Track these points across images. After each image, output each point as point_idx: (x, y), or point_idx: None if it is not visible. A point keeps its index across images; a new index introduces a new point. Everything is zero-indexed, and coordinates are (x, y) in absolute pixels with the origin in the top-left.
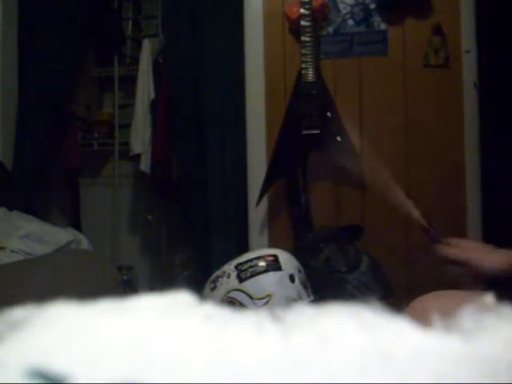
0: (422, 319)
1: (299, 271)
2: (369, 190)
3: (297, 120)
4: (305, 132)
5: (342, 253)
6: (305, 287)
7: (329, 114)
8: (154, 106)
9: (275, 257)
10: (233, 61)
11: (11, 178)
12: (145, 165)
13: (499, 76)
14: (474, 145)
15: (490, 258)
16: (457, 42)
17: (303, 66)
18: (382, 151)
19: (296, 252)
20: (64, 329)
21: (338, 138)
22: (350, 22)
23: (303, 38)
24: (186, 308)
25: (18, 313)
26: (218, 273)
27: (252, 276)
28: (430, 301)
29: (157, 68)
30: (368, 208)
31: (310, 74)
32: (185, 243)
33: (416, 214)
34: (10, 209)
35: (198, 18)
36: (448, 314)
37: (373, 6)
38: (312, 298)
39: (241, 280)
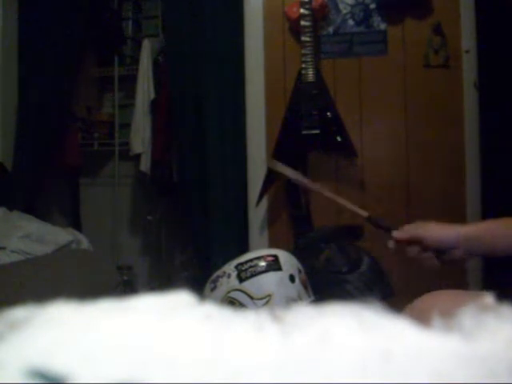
0: (422, 319)
1: (299, 271)
2: (371, 191)
3: (297, 120)
4: (305, 132)
5: (342, 253)
6: (305, 287)
7: (329, 113)
8: (154, 105)
9: (275, 257)
10: (233, 61)
11: (11, 178)
12: (145, 165)
13: (499, 76)
14: (474, 145)
15: (440, 234)
16: (457, 42)
17: (303, 65)
18: (382, 151)
19: (296, 252)
20: (64, 329)
21: (338, 138)
22: (350, 22)
23: (303, 38)
24: (186, 308)
25: (18, 313)
26: (218, 273)
27: (252, 276)
28: (429, 301)
29: (157, 68)
30: (368, 208)
31: (310, 74)
32: (185, 243)
33: (364, 213)
34: (10, 209)
35: (198, 18)
36: (448, 314)
37: (373, 6)
38: (312, 298)
39: (241, 280)
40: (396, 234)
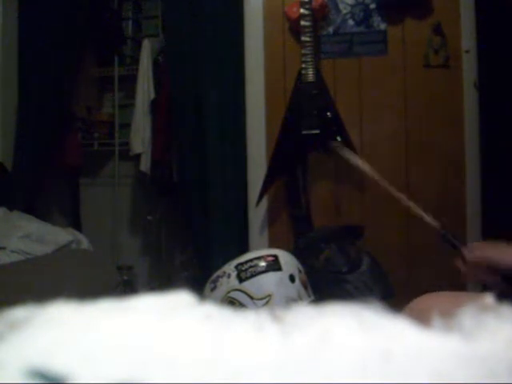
0: (422, 319)
1: (299, 271)
2: (371, 191)
3: (297, 120)
4: (305, 132)
5: (342, 253)
6: (305, 287)
7: (329, 113)
8: (154, 106)
9: (275, 257)
10: (233, 61)
11: (11, 178)
12: (145, 165)
13: (499, 76)
14: (474, 145)
15: (508, 255)
16: (457, 42)
17: (303, 66)
18: (382, 151)
19: (296, 252)
20: (64, 329)
21: (338, 138)
22: (350, 21)
23: (303, 38)
24: (186, 308)
25: (18, 313)
26: (218, 273)
27: (252, 276)
28: (428, 301)
29: (157, 68)
30: (368, 208)
31: (310, 74)
32: (185, 243)
33: (429, 219)
34: (10, 209)
35: (198, 18)
36: (448, 314)
37: (373, 6)
38: (312, 298)
39: (241, 280)
40: (468, 254)
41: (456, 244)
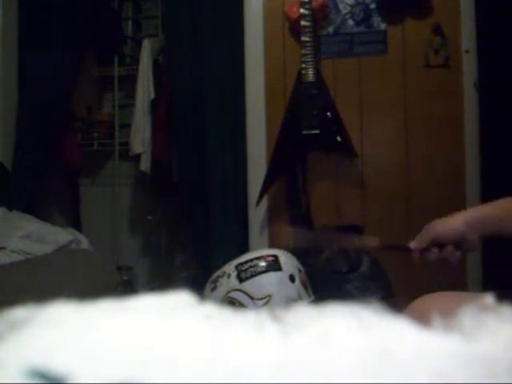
0: (423, 319)
1: (299, 271)
2: (371, 191)
3: (297, 120)
4: (305, 132)
5: (342, 253)
6: (305, 287)
7: (329, 113)
8: (154, 106)
9: (275, 257)
10: (233, 61)
11: (11, 177)
12: (145, 165)
13: (499, 76)
14: (474, 145)
15: (449, 224)
16: (457, 42)
17: (303, 66)
18: (382, 151)
19: (296, 252)
20: (64, 329)
21: (338, 138)
22: (350, 21)
23: (303, 38)
24: (186, 308)
25: (18, 313)
26: (218, 273)
27: (252, 276)
28: (429, 302)
29: (157, 68)
30: (368, 208)
31: (310, 74)
32: (185, 243)
33: (374, 241)
34: (10, 209)
35: (198, 18)
36: (448, 315)
37: (373, 5)
38: (312, 298)
39: (241, 280)
40: (414, 245)
41: (403, 246)
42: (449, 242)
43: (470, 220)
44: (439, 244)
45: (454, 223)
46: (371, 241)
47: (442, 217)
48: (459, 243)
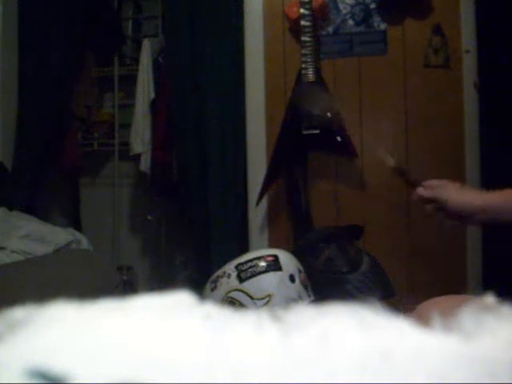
0: (428, 322)
1: (299, 271)
2: (371, 191)
3: (297, 120)
4: (305, 132)
5: (342, 253)
6: (305, 287)
7: (329, 113)
8: (154, 105)
9: (275, 257)
10: (233, 61)
11: (11, 178)
12: (145, 165)
13: (499, 76)
14: (474, 145)
15: (461, 196)
16: (457, 42)
17: (303, 66)
18: (382, 151)
19: (296, 252)
20: (64, 329)
21: (338, 138)
22: (350, 21)
23: (303, 38)
24: (185, 308)
25: (18, 313)
26: (218, 273)
27: (252, 276)
28: (433, 306)
29: (157, 68)
30: (368, 208)
31: (310, 74)
32: (185, 243)
33: (391, 161)
34: (10, 209)
35: (198, 18)
36: (450, 315)
37: (373, 5)
38: (312, 298)
39: (241, 280)
40: (420, 191)
41: (413, 182)
42: (453, 212)
43: (487, 205)
44: (443, 207)
45: (468, 202)
46: (389, 161)
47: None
48: (462, 217)
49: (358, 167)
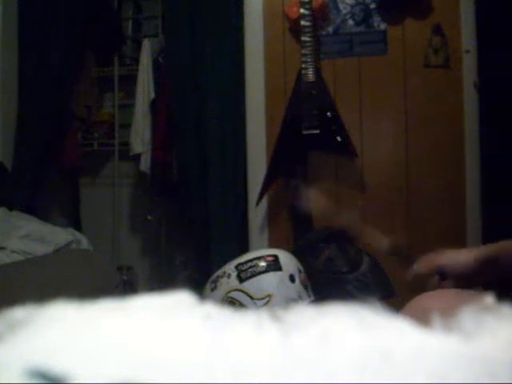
0: (421, 319)
1: (299, 271)
2: (371, 191)
3: (297, 120)
4: (305, 132)
5: (342, 253)
6: (305, 287)
7: (329, 113)
8: (154, 105)
9: (275, 257)
10: (233, 61)
11: (11, 178)
12: (145, 165)
13: (499, 76)
14: (474, 144)
15: (456, 258)
16: (457, 42)
17: (303, 65)
18: (382, 151)
19: (296, 252)
20: (64, 329)
21: (338, 138)
22: (350, 21)
23: (303, 38)
24: (185, 308)
25: (18, 313)
26: (218, 273)
27: (252, 276)
28: (428, 300)
29: (157, 68)
30: (368, 208)
31: (310, 74)
32: (185, 243)
33: (385, 242)
34: (10, 209)
35: (198, 18)
36: (448, 314)
37: (373, 5)
38: (312, 298)
39: (241, 280)
40: (417, 268)
41: (409, 260)
42: (453, 275)
43: (481, 257)
44: (443, 274)
45: (463, 258)
46: (384, 242)
47: (442, 216)
48: (464, 278)
49: (358, 167)
